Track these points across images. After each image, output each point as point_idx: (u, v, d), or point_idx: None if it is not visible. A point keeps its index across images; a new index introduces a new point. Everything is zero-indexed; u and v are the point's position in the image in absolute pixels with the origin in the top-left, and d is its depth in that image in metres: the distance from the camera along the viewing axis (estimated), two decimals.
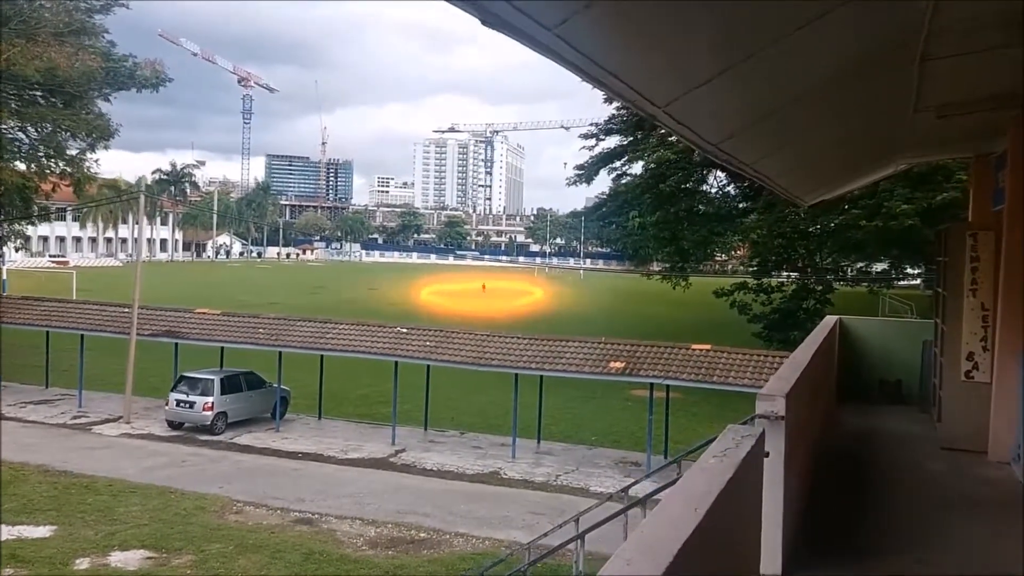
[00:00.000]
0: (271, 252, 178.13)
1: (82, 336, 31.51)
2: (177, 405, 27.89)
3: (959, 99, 7.63)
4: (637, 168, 46.62)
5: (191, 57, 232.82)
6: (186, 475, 23.21)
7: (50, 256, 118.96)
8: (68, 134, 40.49)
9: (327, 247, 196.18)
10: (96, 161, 42.26)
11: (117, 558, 17.33)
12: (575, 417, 32.51)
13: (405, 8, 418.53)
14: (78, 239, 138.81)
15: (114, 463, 24.04)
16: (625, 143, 46.40)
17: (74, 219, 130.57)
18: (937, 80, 6.67)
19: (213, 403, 27.49)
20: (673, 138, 41.97)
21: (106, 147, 43.78)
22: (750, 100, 5.03)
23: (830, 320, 11.86)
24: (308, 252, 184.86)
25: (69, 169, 40.74)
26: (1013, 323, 8.34)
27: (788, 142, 7.08)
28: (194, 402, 27.61)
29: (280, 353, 28.72)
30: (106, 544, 17.90)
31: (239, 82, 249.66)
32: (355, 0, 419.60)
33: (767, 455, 4.38)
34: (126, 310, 30.86)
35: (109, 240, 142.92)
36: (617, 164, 48.17)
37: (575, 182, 49.82)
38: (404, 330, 28.50)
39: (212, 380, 27.85)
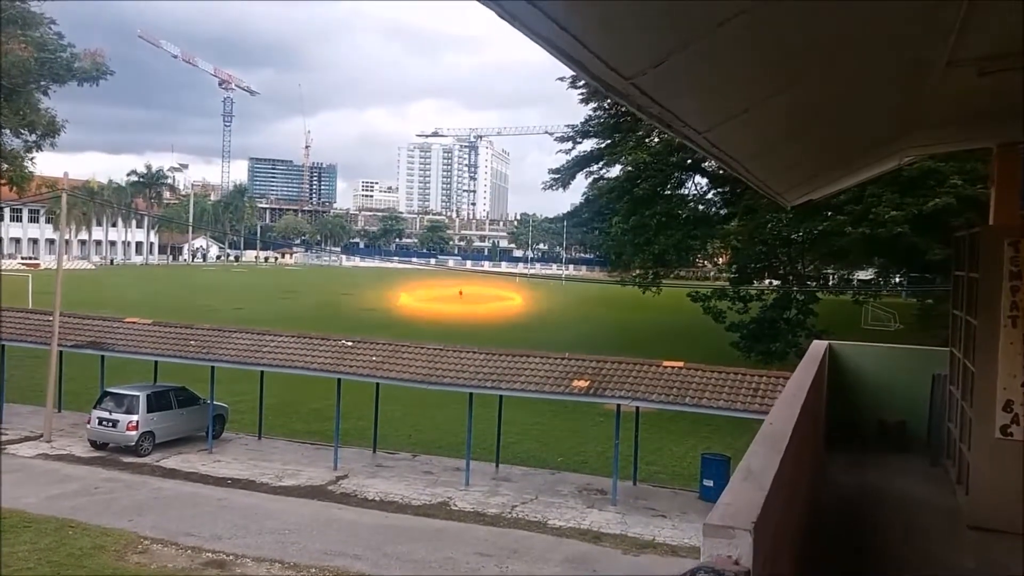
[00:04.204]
0: (249, 256, 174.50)
1: (2, 346, 28.86)
2: (100, 424, 25.35)
3: (1011, 48, 5.21)
4: (615, 172, 44.84)
5: (171, 59, 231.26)
6: (95, 505, 20.67)
7: (22, 258, 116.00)
8: (5, 130, 37.75)
9: (307, 251, 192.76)
10: (32, 160, 39.52)
11: None
12: (541, 434, 30.28)
13: (385, 8, 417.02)
14: (51, 241, 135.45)
15: (18, 490, 21.42)
16: (602, 146, 44.45)
17: (47, 221, 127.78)
18: (990, 15, 4.29)
19: (138, 422, 24.98)
20: (653, 139, 39.84)
21: (52, 144, 41.28)
22: None
23: (819, 347, 9.52)
24: (287, 256, 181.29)
25: (5, 166, 38.01)
26: None
27: (759, 95, 4.67)
28: (117, 420, 25.07)
29: (212, 367, 26.16)
30: None
31: (220, 84, 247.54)
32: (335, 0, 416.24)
33: None
34: (50, 318, 28.21)
35: (83, 242, 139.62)
36: (594, 168, 46.39)
37: (551, 187, 48.42)
38: (349, 343, 25.94)
39: (137, 396, 25.31)
